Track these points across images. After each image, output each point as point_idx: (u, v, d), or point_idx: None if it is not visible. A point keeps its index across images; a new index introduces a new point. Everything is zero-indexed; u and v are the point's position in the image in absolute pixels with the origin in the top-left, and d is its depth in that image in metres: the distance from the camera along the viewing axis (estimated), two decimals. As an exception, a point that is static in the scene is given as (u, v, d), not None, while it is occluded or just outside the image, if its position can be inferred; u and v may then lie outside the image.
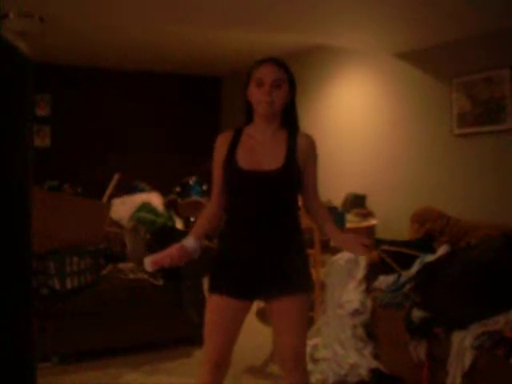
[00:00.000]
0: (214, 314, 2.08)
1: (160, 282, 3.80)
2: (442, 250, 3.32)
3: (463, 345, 2.59)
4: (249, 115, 2.17)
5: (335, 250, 4.21)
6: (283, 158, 2.05)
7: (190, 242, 2.10)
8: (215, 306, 2.07)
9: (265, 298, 2.11)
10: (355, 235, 2.11)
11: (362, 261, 3.47)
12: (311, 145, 2.13)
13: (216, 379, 2.08)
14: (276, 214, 2.05)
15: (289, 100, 2.14)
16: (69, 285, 3.49)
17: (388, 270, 3.43)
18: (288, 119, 2.16)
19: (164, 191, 5.66)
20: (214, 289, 2.08)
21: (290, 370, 2.07)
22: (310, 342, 3.47)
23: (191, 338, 3.90)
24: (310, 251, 3.90)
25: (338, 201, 4.90)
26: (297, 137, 2.11)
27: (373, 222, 4.63)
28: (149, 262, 2.11)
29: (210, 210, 2.17)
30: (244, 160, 2.05)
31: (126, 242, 4.25)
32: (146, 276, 3.85)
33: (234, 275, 2.06)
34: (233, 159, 2.06)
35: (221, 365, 2.08)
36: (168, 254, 2.09)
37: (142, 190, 5.52)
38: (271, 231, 2.05)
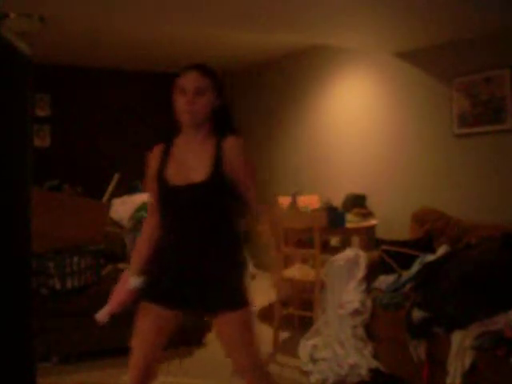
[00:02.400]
0: (145, 321, 2.07)
1: (160, 282, 3.79)
2: (441, 250, 3.32)
3: (463, 345, 2.59)
4: (176, 125, 2.09)
5: (335, 250, 4.21)
6: (209, 168, 1.97)
7: (137, 282, 2.09)
8: (146, 317, 2.06)
9: (198, 311, 2.12)
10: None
11: (362, 261, 3.47)
12: (233, 149, 2.02)
13: None
14: (206, 226, 2.00)
15: (218, 106, 2.05)
16: (69, 285, 3.49)
17: (388, 270, 3.43)
18: (220, 125, 2.08)
19: (164, 191, 5.64)
20: (145, 296, 2.07)
21: (247, 378, 2.06)
22: (310, 342, 3.48)
23: (191, 338, 3.90)
24: (310, 251, 3.90)
25: (337, 201, 4.90)
26: (223, 143, 2.02)
27: (373, 222, 4.63)
28: (104, 316, 2.14)
29: (151, 226, 2.11)
30: (172, 174, 2.01)
31: (125, 241, 4.25)
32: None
33: (165, 285, 2.03)
34: (162, 174, 2.02)
35: (148, 374, 2.09)
36: (120, 303, 2.13)
37: (142, 190, 5.52)
38: (202, 244, 2.00)
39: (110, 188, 4.56)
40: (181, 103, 1.99)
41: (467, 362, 2.54)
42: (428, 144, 4.54)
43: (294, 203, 4.51)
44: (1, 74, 1.80)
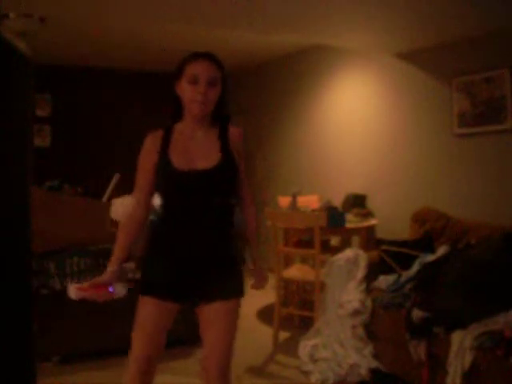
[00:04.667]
0: (146, 318, 2.04)
1: (160, 282, 3.80)
2: (441, 250, 3.32)
3: (463, 345, 2.59)
4: (177, 111, 2.05)
5: (335, 250, 4.22)
6: (218, 154, 1.97)
7: (123, 291, 2.07)
8: (147, 309, 2.02)
9: (196, 301, 2.03)
10: (263, 272, 2.26)
11: (362, 261, 3.47)
12: (239, 137, 2.06)
13: None
14: (212, 214, 1.99)
15: (221, 98, 2.02)
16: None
17: (388, 270, 3.43)
18: (218, 114, 2.05)
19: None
20: (146, 291, 2.02)
21: (213, 378, 1.99)
22: (310, 342, 3.48)
23: (191, 338, 3.89)
24: (310, 251, 3.91)
25: (337, 201, 4.90)
26: (227, 131, 2.03)
27: (373, 221, 4.63)
28: (75, 290, 1.99)
29: (138, 216, 2.04)
30: (178, 160, 1.96)
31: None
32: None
33: (167, 277, 1.99)
34: (167, 160, 1.96)
35: (148, 372, 2.06)
36: (94, 297, 2.02)
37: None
38: (208, 231, 1.98)
39: (110, 188, 4.56)
40: (192, 93, 1.93)
41: (467, 361, 2.54)
42: (428, 144, 4.54)
43: (294, 203, 4.51)
44: (1, 74, 1.80)
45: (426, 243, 3.61)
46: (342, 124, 5.45)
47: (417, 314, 2.85)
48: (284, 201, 4.93)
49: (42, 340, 3.12)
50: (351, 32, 4.21)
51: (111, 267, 2.03)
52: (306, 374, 3.32)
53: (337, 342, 3.30)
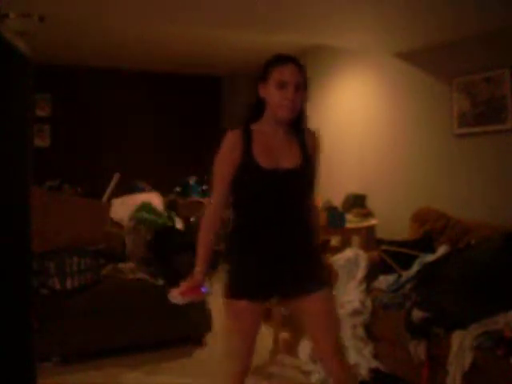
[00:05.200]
0: (241, 321, 2.05)
1: (160, 282, 3.80)
2: (441, 250, 3.32)
3: (463, 345, 2.59)
4: (258, 112, 2.09)
5: (335, 250, 4.21)
6: (299, 156, 2.05)
7: (211, 289, 2.12)
8: (241, 312, 2.04)
9: (288, 296, 2.11)
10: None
11: (362, 261, 3.47)
12: (317, 139, 2.16)
13: None
14: (296, 212, 2.06)
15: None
16: (69, 285, 3.49)
17: (388, 270, 3.43)
18: (297, 119, 2.08)
19: (164, 191, 5.66)
20: (237, 295, 2.03)
21: (331, 358, 2.11)
22: (311, 342, 3.47)
23: (191, 338, 3.90)
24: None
25: (338, 201, 4.90)
26: (304, 134, 2.10)
27: (373, 221, 4.63)
28: (178, 297, 2.06)
29: (218, 215, 2.08)
30: (263, 159, 1.99)
31: (125, 241, 4.25)
32: (146, 276, 3.85)
33: (257, 277, 2.03)
34: (252, 159, 1.99)
35: (247, 372, 2.12)
36: (193, 299, 2.08)
37: (141, 190, 5.52)
38: (293, 229, 2.05)
39: (110, 188, 4.56)
40: (280, 98, 1.97)
41: (467, 362, 2.54)
42: (428, 144, 4.53)
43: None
44: (1, 74, 1.80)
45: (425, 243, 3.61)
46: (342, 124, 5.45)
47: (417, 314, 2.85)
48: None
49: (42, 340, 3.13)
50: (351, 32, 4.21)
51: (199, 268, 2.07)
52: (306, 374, 3.32)
53: (337, 342, 3.29)
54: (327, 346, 2.10)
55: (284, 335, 4.02)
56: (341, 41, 4.66)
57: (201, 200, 6.04)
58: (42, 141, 6.60)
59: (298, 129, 2.10)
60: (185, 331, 3.86)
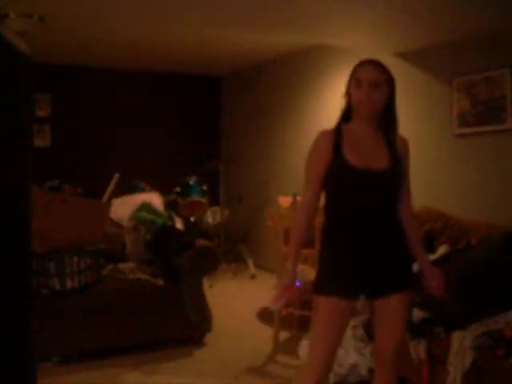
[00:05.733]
0: (330, 316, 2.08)
1: (160, 282, 3.80)
2: (441, 250, 3.32)
3: (463, 345, 2.59)
4: (345, 115, 2.18)
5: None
6: (388, 157, 2.11)
7: (301, 280, 2.17)
8: (329, 308, 2.08)
9: (374, 294, 2.13)
10: (440, 273, 2.19)
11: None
12: (407, 146, 2.24)
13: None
14: (386, 212, 2.11)
15: (388, 102, 2.14)
16: (69, 285, 3.49)
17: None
18: (386, 121, 2.16)
19: (164, 191, 5.66)
20: (327, 290, 2.08)
21: (386, 363, 2.16)
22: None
23: (191, 338, 3.90)
24: (310, 251, 3.90)
25: (338, 201, 4.89)
26: (395, 138, 2.17)
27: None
28: (273, 304, 2.12)
29: (309, 214, 2.13)
30: (354, 158, 2.05)
31: (125, 241, 4.25)
32: (146, 276, 3.85)
33: (347, 275, 2.07)
34: (343, 159, 2.05)
35: (328, 370, 2.18)
36: (290, 298, 2.14)
37: (142, 190, 5.52)
38: (383, 230, 2.09)
39: (110, 188, 4.56)
40: (357, 94, 2.08)
41: (467, 362, 2.54)
42: (428, 144, 4.53)
43: (294, 203, 4.51)
44: (1, 74, 1.80)
45: (425, 243, 3.61)
46: (342, 124, 5.44)
47: (417, 314, 2.85)
48: (284, 201, 4.92)
49: (41, 340, 3.13)
50: (351, 32, 4.21)
51: (291, 264, 2.12)
52: (306, 373, 3.32)
53: (337, 341, 3.29)
54: (389, 347, 2.14)
55: (284, 335, 4.03)
56: (341, 41, 4.66)
57: (201, 200, 6.04)
58: (42, 141, 6.60)
59: (386, 129, 2.15)
60: (185, 331, 3.86)
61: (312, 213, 2.14)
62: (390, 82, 2.12)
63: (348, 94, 2.14)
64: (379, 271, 2.07)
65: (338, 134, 2.12)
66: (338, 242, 2.11)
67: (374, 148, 2.12)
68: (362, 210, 2.07)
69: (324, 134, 2.14)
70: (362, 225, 2.08)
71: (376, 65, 2.12)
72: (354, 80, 2.11)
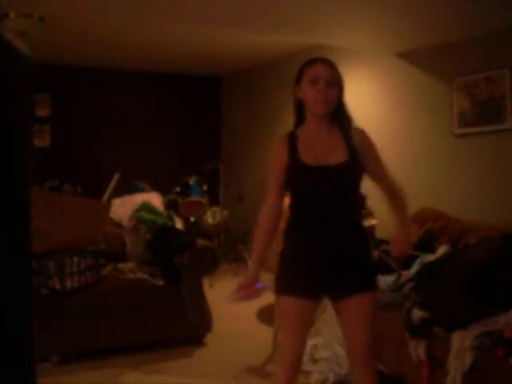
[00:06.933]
0: (290, 315, 2.11)
1: (160, 282, 3.80)
2: (441, 250, 3.32)
3: (463, 345, 2.59)
4: (299, 115, 2.18)
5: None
6: (345, 152, 2.08)
7: (266, 283, 2.19)
8: (290, 307, 2.10)
9: (336, 295, 2.14)
10: (404, 235, 2.24)
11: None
12: (363, 136, 2.20)
13: (292, 380, 2.14)
14: (344, 208, 2.10)
15: (340, 101, 2.16)
16: (69, 285, 3.49)
17: (388, 270, 3.43)
18: (339, 118, 2.16)
19: (164, 191, 5.66)
20: (286, 290, 2.11)
21: (361, 362, 2.16)
22: (310, 342, 3.47)
23: (191, 338, 3.90)
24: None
25: (337, 201, 4.89)
26: (350, 131, 2.15)
27: (373, 222, 4.62)
28: (229, 297, 2.17)
29: (272, 219, 2.16)
30: (308, 157, 2.06)
31: (126, 241, 4.25)
32: (146, 276, 3.85)
33: (305, 274, 2.08)
34: (297, 159, 2.06)
35: (297, 366, 2.15)
36: (247, 296, 2.17)
37: (142, 190, 5.52)
38: (341, 227, 2.08)
39: (110, 188, 4.56)
40: (314, 92, 2.05)
41: (467, 362, 2.54)
42: (428, 144, 4.54)
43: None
44: (0, 74, 1.80)
45: (425, 243, 3.61)
46: (342, 124, 5.44)
47: (417, 313, 2.85)
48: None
49: (41, 340, 3.13)
50: (351, 32, 4.21)
51: (253, 266, 2.17)
52: (306, 374, 3.32)
53: (337, 341, 3.29)
54: (360, 346, 2.14)
55: (284, 335, 4.02)
56: (341, 41, 4.66)
57: (201, 200, 6.04)
58: (41, 141, 6.60)
59: (340, 124, 2.15)
60: (185, 331, 3.86)
61: (275, 216, 2.16)
62: (341, 81, 2.13)
63: (301, 92, 2.11)
64: (338, 272, 2.07)
65: (292, 137, 2.13)
66: (297, 242, 2.12)
67: (330, 144, 2.10)
68: (320, 208, 2.07)
69: (278, 141, 2.15)
70: (322, 225, 2.07)
71: (330, 63, 2.12)
72: (309, 77, 2.07)
